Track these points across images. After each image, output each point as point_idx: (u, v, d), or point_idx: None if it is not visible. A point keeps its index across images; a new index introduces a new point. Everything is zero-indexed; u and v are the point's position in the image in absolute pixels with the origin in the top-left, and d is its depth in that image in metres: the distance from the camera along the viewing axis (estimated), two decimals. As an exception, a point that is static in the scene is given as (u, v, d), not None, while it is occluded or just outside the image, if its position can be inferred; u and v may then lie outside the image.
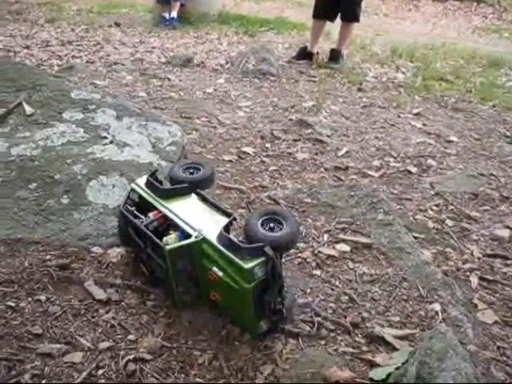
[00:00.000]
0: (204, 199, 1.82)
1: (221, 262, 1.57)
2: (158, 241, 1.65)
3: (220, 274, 1.56)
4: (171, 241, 1.64)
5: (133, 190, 1.87)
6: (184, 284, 1.67)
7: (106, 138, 2.38)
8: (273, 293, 1.55)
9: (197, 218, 1.72)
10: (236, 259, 1.53)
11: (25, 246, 1.91)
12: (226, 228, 1.67)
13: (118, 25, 6.30)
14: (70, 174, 2.15)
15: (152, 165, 2.29)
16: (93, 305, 1.73)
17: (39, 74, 2.92)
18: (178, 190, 1.84)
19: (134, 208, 1.83)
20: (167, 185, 1.92)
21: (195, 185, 1.87)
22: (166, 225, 1.76)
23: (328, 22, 5.22)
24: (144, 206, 1.83)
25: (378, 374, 1.54)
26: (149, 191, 1.84)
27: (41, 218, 1.99)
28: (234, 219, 1.73)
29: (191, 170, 1.95)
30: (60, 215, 2.01)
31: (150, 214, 1.76)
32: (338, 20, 5.17)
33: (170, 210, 1.75)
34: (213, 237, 1.62)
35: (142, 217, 1.77)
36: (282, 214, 1.69)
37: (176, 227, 1.70)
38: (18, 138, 2.34)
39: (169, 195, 1.82)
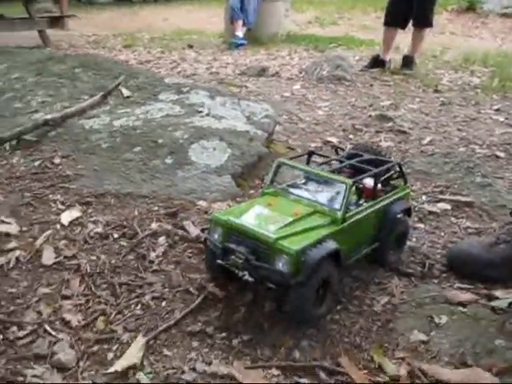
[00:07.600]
0: None
1: None
2: None
3: None
4: None
5: None
6: None
7: (201, 112, 2.47)
8: None
9: None
10: None
11: (134, 198, 1.98)
12: None
13: (191, 47, 6.55)
14: (172, 138, 2.23)
15: (249, 133, 2.34)
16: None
17: (132, 65, 3.06)
18: None
19: None
20: None
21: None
22: None
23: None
24: None
25: (500, 303, 1.50)
26: None
27: (147, 175, 2.07)
28: None
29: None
30: (165, 173, 2.08)
31: None
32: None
33: None
34: None
35: None
36: None
37: None
38: (119, 113, 2.46)
39: None
